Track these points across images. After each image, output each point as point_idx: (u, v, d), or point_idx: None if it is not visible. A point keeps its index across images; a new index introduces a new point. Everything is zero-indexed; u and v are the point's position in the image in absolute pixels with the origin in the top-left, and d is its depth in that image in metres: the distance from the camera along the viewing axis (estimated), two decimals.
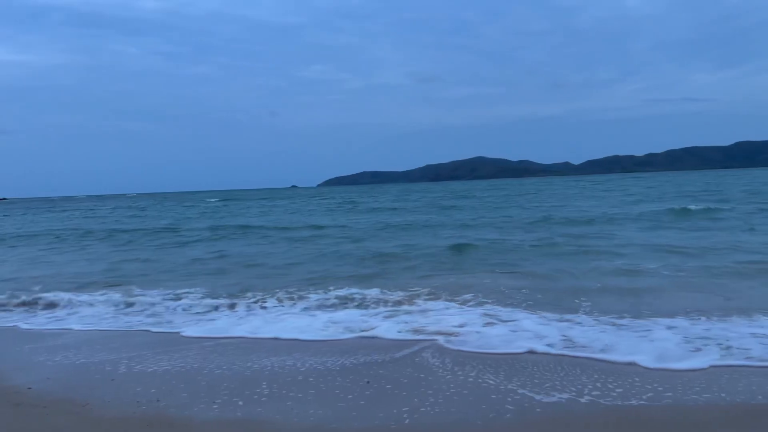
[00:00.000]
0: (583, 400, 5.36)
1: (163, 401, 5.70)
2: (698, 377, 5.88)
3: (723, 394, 5.40)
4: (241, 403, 5.63)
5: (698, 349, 6.71)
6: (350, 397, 5.66)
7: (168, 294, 11.11)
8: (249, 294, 10.85)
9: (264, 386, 5.99)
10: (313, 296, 10.46)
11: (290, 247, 19.61)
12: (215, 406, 5.56)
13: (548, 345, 7.13)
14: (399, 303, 9.77)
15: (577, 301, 9.41)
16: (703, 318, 7.98)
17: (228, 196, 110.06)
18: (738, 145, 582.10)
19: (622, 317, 8.23)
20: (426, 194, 78.47)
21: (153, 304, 10.38)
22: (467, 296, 10.01)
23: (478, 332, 7.86)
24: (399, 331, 8.05)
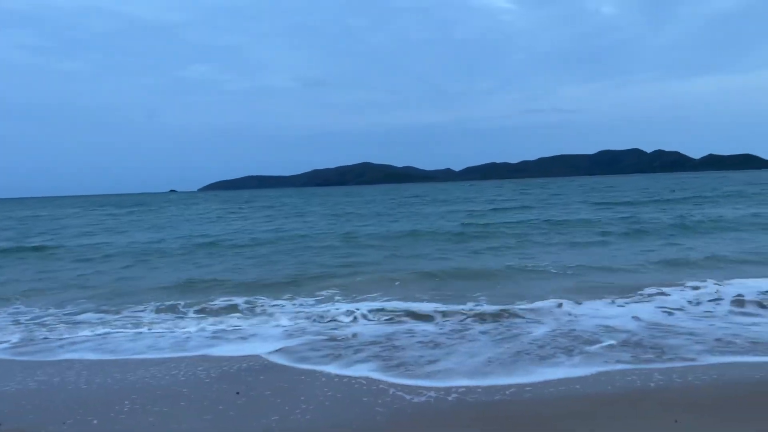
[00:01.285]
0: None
1: (5, 424, 5.17)
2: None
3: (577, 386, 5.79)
4: (95, 422, 5.22)
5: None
6: (220, 407, 5.45)
7: None
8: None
9: (126, 404, 5.60)
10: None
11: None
12: (65, 427, 5.12)
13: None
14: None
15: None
16: None
17: (80, 204, 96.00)
18: (602, 153, 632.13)
19: None
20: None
21: None
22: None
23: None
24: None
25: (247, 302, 10.22)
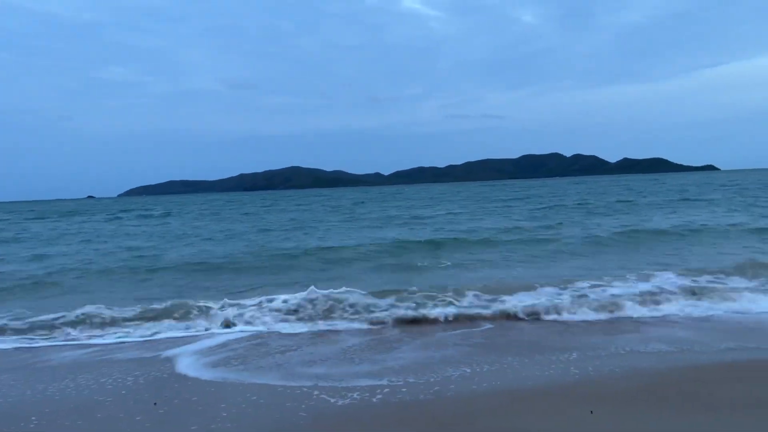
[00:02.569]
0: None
1: None
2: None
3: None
4: None
5: None
6: (138, 419, 5.21)
7: None
8: None
9: (34, 420, 5.26)
10: None
11: None
12: None
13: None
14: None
15: None
16: None
17: None
18: (525, 157, 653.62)
19: None
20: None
21: None
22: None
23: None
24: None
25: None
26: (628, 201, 39.28)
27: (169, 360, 7.07)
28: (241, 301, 9.77)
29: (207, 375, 6.47)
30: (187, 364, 6.90)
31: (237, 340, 7.99)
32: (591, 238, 18.82)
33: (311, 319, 8.91)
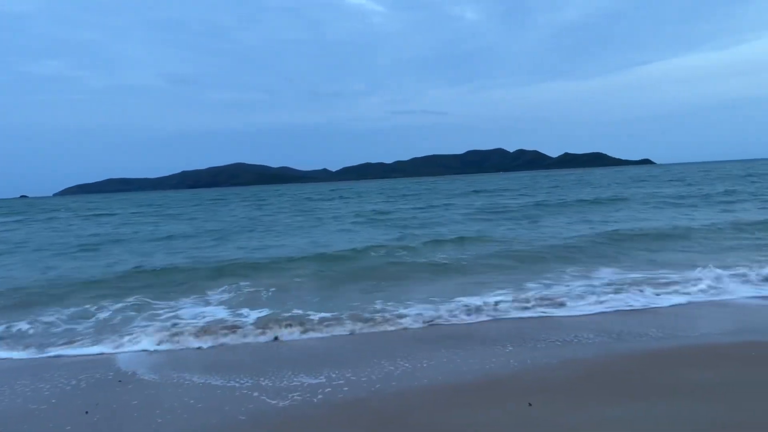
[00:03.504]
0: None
1: None
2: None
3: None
4: None
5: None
6: (68, 428, 5.00)
7: None
8: None
9: None
10: None
11: None
12: None
13: None
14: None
15: None
16: None
17: None
18: (470, 153, 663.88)
19: None
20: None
21: None
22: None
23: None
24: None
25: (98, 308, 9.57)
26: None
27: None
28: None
29: (146, 375, 6.30)
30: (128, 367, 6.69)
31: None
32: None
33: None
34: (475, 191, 57.41)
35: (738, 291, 9.33)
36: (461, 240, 17.27)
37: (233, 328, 8.21)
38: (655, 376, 5.65)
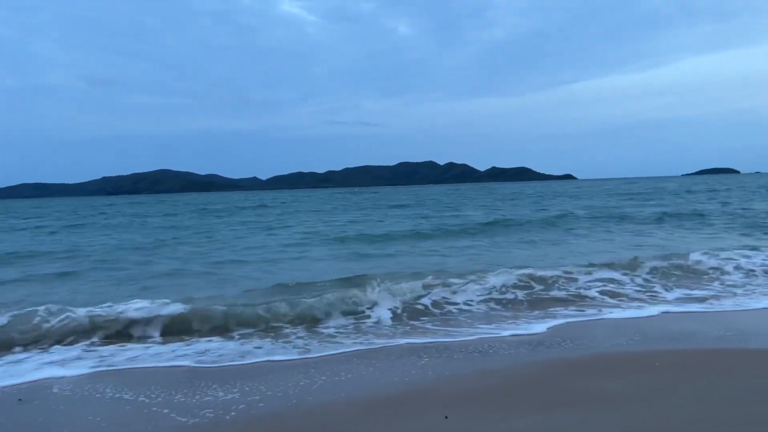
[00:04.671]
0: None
1: None
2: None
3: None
4: None
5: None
6: None
7: None
8: None
9: None
10: None
11: None
12: None
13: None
14: None
15: None
16: None
17: None
18: (401, 164, 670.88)
19: None
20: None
21: None
22: None
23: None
24: None
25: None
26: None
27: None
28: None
29: (51, 394, 5.87)
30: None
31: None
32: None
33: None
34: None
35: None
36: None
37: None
38: (570, 385, 5.76)
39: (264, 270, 14.55)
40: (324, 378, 6.22)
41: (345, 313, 9.03)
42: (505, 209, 39.68)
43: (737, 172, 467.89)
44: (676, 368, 6.20)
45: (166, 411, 5.37)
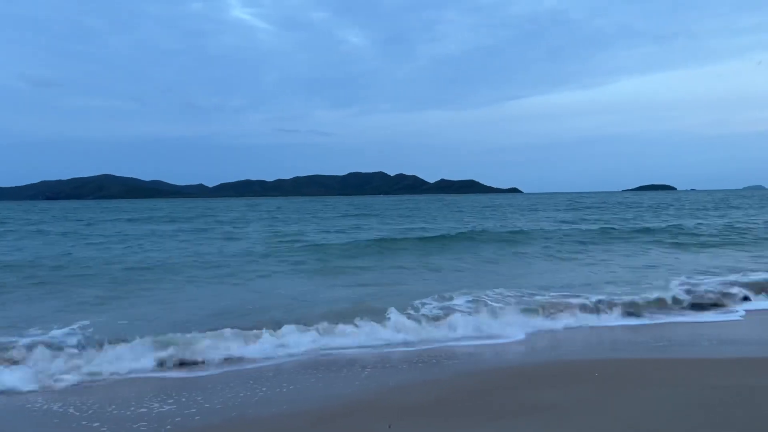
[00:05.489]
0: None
1: None
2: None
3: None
4: None
5: None
6: None
7: None
8: None
9: None
10: None
11: None
12: None
13: None
14: None
15: None
16: None
17: None
18: (351, 175, 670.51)
19: None
20: None
21: None
22: None
23: None
24: None
25: None
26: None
27: None
28: None
29: None
30: None
31: None
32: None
33: None
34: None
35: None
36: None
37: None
38: (513, 396, 5.78)
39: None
40: (265, 390, 6.07)
41: None
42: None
43: (674, 188, 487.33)
44: (614, 378, 6.32)
45: (96, 425, 5.12)
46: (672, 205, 61.77)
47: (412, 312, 9.41)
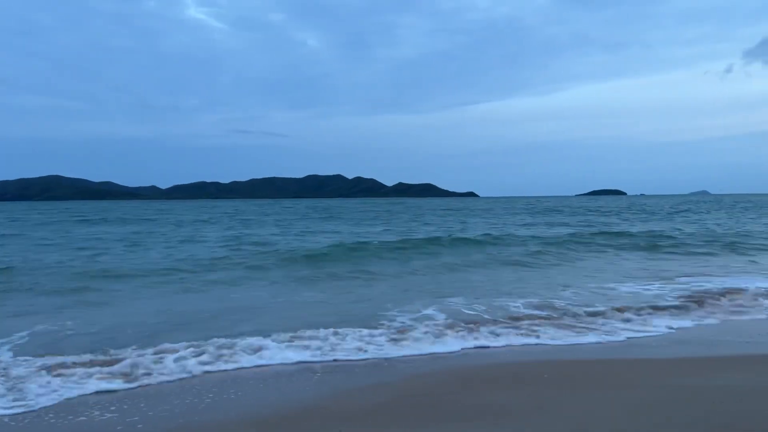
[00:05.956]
0: None
1: None
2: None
3: None
4: None
5: None
6: None
7: None
8: None
9: None
10: None
11: None
12: None
13: None
14: None
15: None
16: None
17: None
18: (309, 177, 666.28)
19: None
20: None
21: None
22: None
23: None
24: None
25: None
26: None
27: None
28: None
29: None
30: None
31: None
32: None
33: None
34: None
35: None
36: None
37: None
38: (463, 399, 5.78)
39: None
40: (212, 396, 5.90)
41: None
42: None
43: (624, 193, 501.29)
44: (564, 379, 6.39)
45: None
46: (639, 210, 63.51)
47: (368, 333, 8.86)
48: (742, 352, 7.61)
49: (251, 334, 8.22)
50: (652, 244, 23.10)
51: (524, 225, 37.24)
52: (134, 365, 6.77)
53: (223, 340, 7.79)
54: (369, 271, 15.88)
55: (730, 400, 5.57)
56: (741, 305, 10.82)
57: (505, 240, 24.67)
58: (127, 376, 6.47)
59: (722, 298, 11.46)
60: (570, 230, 30.30)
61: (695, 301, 11.04)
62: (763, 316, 9.95)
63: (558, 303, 10.78)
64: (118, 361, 6.94)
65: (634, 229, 30.49)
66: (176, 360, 6.99)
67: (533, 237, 25.81)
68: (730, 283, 13.23)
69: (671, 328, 9.04)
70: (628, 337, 8.47)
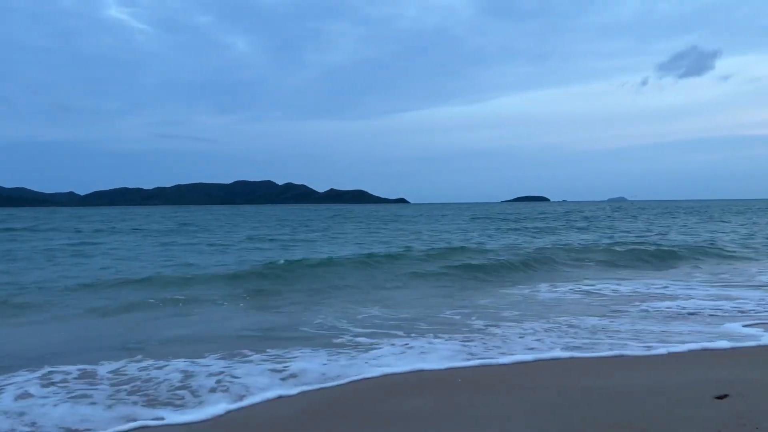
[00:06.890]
0: None
1: None
2: None
3: None
4: None
5: None
6: None
7: None
8: None
9: None
10: None
11: None
12: None
13: None
14: None
15: None
16: None
17: None
18: (238, 183, 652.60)
19: None
20: None
21: None
22: None
23: None
24: None
25: None
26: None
27: None
28: None
29: None
30: None
31: None
32: None
33: None
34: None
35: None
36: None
37: None
38: (377, 406, 5.90)
39: None
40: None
41: None
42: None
43: (547, 199, 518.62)
44: (478, 384, 6.64)
45: None
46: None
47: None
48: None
49: None
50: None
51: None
52: None
53: None
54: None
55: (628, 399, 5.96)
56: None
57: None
58: None
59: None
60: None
61: None
62: None
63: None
64: None
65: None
66: None
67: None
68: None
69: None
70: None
